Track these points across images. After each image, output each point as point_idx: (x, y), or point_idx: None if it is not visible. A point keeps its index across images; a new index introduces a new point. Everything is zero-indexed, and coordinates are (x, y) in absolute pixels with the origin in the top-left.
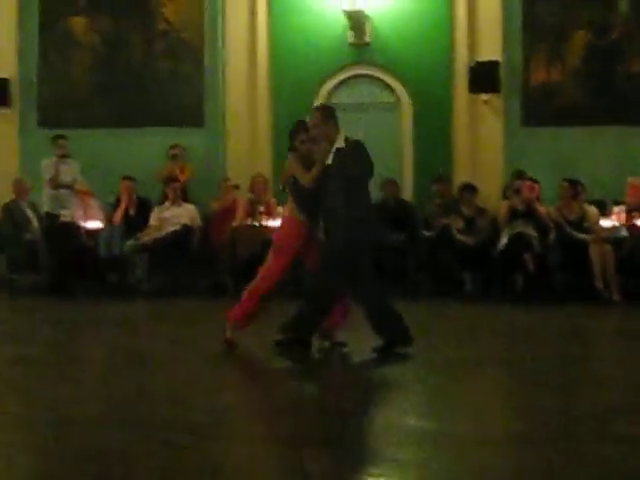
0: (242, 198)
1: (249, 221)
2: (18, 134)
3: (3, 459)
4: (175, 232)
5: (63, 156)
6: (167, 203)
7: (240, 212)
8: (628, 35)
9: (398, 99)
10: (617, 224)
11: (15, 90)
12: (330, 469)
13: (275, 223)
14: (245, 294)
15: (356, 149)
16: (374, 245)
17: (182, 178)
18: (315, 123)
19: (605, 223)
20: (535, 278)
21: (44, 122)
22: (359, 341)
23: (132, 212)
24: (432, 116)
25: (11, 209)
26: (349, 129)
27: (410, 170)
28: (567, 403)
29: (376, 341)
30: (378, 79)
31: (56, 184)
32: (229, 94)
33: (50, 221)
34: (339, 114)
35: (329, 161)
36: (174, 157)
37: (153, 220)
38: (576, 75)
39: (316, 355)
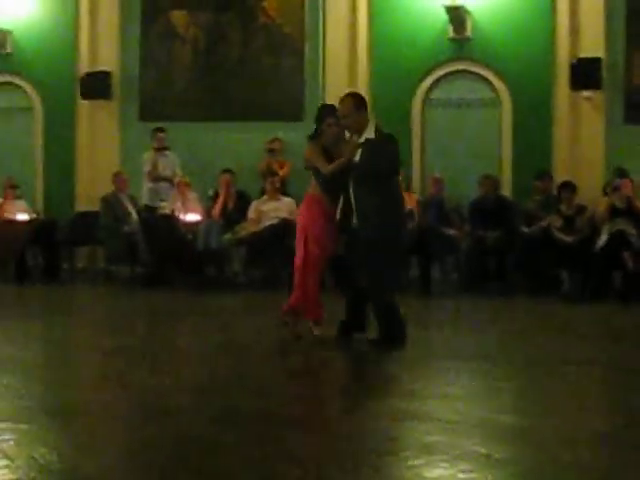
0: None
1: None
2: (119, 127)
3: (100, 449)
4: (273, 226)
5: (162, 149)
6: (266, 197)
7: None
8: None
9: (498, 95)
10: None
11: (116, 83)
12: (422, 467)
13: None
14: (296, 281)
15: (386, 143)
16: (401, 240)
17: (281, 172)
18: (346, 112)
19: None
20: (634, 276)
21: (144, 115)
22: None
23: (231, 205)
24: (532, 112)
25: (111, 202)
26: (449, 125)
27: (509, 166)
28: None
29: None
30: (478, 75)
31: (155, 177)
32: (329, 88)
33: (149, 214)
34: (439, 110)
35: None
36: (273, 151)
37: (251, 214)
38: None
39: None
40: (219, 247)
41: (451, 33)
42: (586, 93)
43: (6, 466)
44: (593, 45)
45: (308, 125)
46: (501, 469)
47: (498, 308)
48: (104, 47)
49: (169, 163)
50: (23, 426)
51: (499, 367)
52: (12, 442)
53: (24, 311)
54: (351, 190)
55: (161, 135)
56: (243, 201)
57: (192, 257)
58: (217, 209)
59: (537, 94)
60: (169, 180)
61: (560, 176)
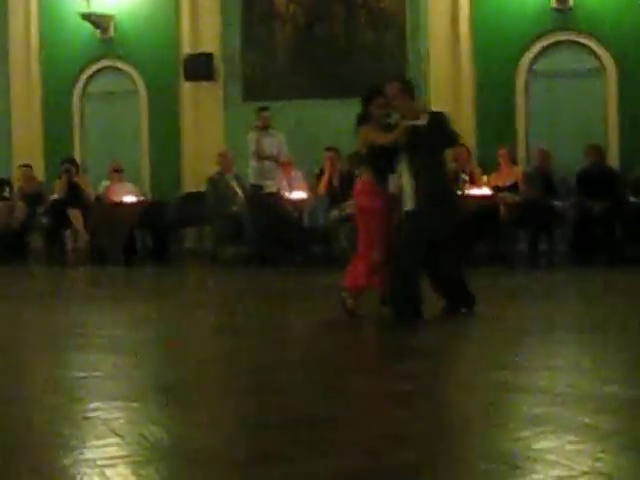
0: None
1: None
2: (222, 107)
3: (209, 426)
4: None
5: (266, 128)
6: None
7: None
8: None
9: (602, 65)
10: None
11: (219, 64)
12: (529, 439)
13: (479, 192)
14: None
15: (440, 120)
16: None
17: None
18: (395, 94)
19: None
20: None
21: (248, 95)
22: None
23: (336, 182)
24: (637, 81)
25: (216, 182)
26: (553, 95)
27: (616, 136)
28: None
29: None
30: (582, 44)
31: (260, 156)
32: (431, 63)
33: (255, 193)
34: (543, 81)
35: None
36: None
37: None
38: None
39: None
40: (325, 224)
41: (554, 3)
42: None
43: (117, 444)
44: None
45: None
46: (608, 440)
47: (607, 279)
48: (206, 29)
49: (274, 142)
50: (134, 404)
51: (608, 338)
52: (122, 420)
53: (133, 293)
54: (406, 167)
55: (265, 114)
56: (349, 178)
57: (299, 235)
58: (322, 186)
59: None
60: (274, 159)
61: None
